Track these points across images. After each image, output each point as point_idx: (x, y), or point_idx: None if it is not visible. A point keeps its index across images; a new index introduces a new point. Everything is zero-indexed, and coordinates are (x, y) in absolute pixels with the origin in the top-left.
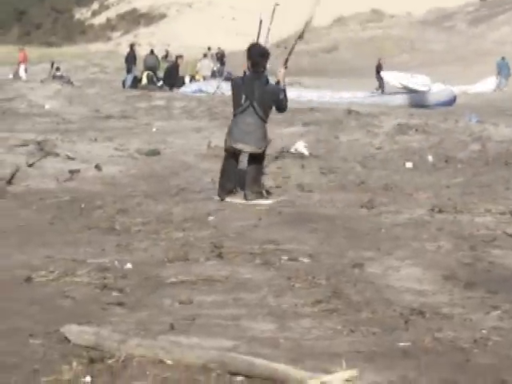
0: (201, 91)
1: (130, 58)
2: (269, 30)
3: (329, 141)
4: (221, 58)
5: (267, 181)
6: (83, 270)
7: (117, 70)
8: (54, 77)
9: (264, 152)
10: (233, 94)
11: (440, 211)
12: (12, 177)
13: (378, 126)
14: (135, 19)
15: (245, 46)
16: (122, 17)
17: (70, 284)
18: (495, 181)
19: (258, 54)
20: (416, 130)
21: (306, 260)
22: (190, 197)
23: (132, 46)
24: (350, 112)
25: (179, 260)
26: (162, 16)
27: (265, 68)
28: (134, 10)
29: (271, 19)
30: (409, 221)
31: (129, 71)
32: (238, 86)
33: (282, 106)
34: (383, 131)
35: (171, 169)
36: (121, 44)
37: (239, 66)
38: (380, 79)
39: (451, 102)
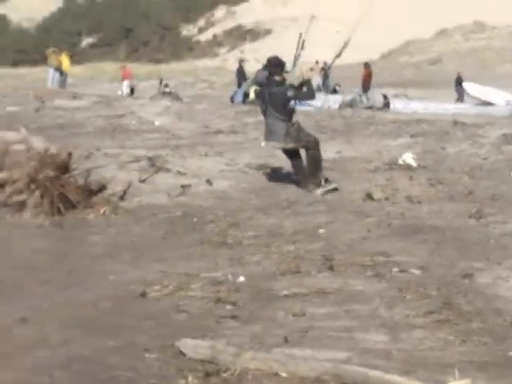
0: (308, 104)
1: (240, 74)
2: (304, 41)
3: (436, 152)
4: (326, 72)
5: (376, 193)
6: (197, 284)
7: (224, 85)
8: (163, 93)
9: (308, 147)
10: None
11: None
12: (124, 193)
13: (483, 137)
14: (241, 35)
15: (350, 58)
16: (228, 33)
17: (184, 298)
18: None
19: (273, 65)
20: None
21: (416, 271)
22: (300, 210)
23: (241, 62)
24: (455, 123)
25: (291, 273)
26: (268, 32)
27: (280, 75)
28: (240, 27)
29: (306, 32)
30: None
31: (239, 86)
32: (258, 93)
33: (300, 98)
34: (489, 141)
35: (281, 182)
36: (227, 60)
37: (345, 79)
38: (460, 91)
39: None
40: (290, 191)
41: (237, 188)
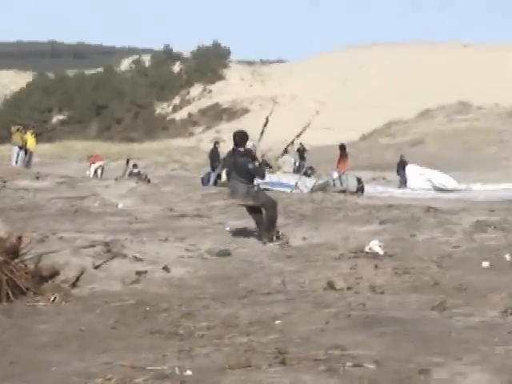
0: (281, 184)
1: (213, 156)
2: (267, 121)
3: (405, 239)
4: (301, 153)
5: (338, 282)
6: (141, 378)
7: (197, 166)
8: (131, 174)
9: (265, 207)
10: (223, 165)
11: None
12: (77, 279)
13: (456, 224)
14: (217, 114)
15: (330, 140)
16: (203, 112)
17: None
18: None
19: (238, 137)
20: (494, 227)
21: (371, 366)
22: (258, 299)
23: (215, 143)
24: (428, 209)
25: (241, 367)
26: (245, 111)
27: (243, 146)
28: (216, 105)
29: (270, 114)
30: (480, 324)
31: (213, 169)
32: (224, 160)
33: (253, 174)
34: (461, 229)
35: (241, 270)
36: (202, 140)
37: (324, 161)
38: (402, 175)
39: None
40: (249, 279)
41: (195, 275)
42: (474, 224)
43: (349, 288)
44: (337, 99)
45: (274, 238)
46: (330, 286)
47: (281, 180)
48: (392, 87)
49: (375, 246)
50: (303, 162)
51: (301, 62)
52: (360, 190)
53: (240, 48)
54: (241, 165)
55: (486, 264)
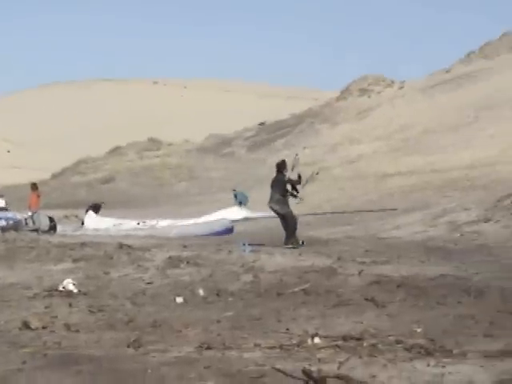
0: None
1: None
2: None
3: (99, 277)
4: None
5: (33, 321)
6: None
7: None
8: None
9: (287, 214)
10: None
11: (208, 348)
12: None
13: (149, 260)
14: None
15: (21, 179)
16: None
17: None
18: (267, 313)
19: (277, 165)
20: (187, 262)
21: None
22: None
23: None
24: (121, 246)
25: None
26: None
27: (283, 171)
28: None
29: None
30: (176, 359)
31: None
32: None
33: (292, 185)
34: (154, 265)
35: None
36: None
37: (14, 201)
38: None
39: (228, 231)
40: None
41: None
42: (167, 260)
43: (44, 327)
44: (27, 138)
45: (300, 242)
46: (26, 325)
47: None
48: (81, 125)
49: (69, 284)
50: None
51: None
52: (52, 228)
53: None
54: (277, 182)
55: (179, 299)
